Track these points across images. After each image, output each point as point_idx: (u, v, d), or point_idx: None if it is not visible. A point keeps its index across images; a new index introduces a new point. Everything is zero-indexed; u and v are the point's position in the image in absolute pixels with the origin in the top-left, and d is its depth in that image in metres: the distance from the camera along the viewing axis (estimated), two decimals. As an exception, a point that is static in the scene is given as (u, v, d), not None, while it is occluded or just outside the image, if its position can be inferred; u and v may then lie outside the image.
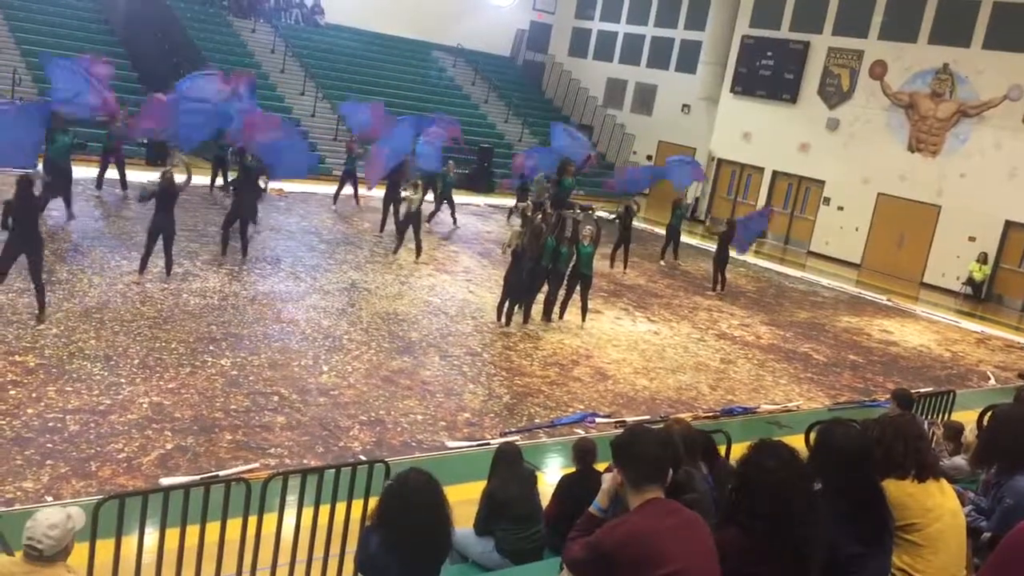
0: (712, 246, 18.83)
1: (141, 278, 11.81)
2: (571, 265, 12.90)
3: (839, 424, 3.85)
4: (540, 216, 13.46)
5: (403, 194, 15.61)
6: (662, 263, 19.02)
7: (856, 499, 3.54)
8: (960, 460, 6.51)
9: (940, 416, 8.85)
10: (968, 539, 4.10)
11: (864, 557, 3.52)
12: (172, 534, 4.97)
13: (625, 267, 17.65)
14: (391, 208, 17.06)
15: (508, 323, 12.38)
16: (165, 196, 11.86)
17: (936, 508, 3.84)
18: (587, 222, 14.16)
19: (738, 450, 5.58)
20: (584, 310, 13.07)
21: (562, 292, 12.98)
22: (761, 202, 26.39)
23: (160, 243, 11.89)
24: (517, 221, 12.06)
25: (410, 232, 15.47)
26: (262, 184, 14.73)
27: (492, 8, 32.76)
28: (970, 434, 6.72)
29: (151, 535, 5.02)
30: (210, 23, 26.70)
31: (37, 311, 9.80)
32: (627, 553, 3.05)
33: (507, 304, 12.40)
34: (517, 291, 12.36)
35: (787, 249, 25.38)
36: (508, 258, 12.49)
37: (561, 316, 13.04)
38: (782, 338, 14.44)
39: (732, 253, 17.43)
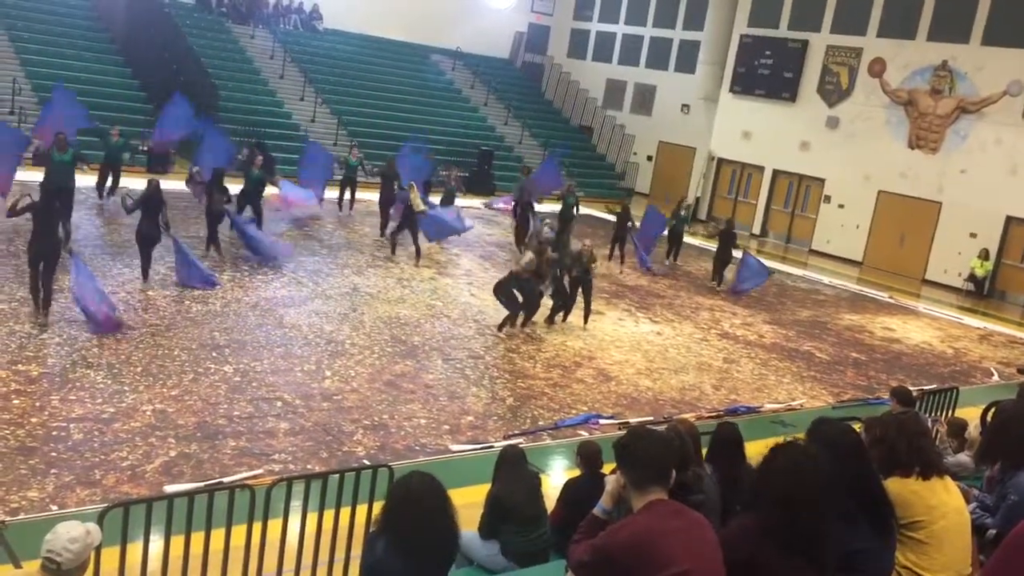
0: (712, 246, 18.93)
1: (146, 285, 11.91)
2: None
3: (828, 422, 3.85)
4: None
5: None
6: (666, 263, 18.97)
7: (859, 495, 3.54)
8: (964, 457, 6.51)
9: (943, 413, 8.84)
10: (973, 536, 4.10)
11: (869, 553, 3.52)
12: (177, 541, 4.98)
13: (622, 262, 17.84)
14: (389, 211, 17.23)
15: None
16: (150, 203, 12.00)
17: (941, 505, 3.84)
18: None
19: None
20: (587, 312, 13.08)
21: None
22: (762, 201, 26.42)
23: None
24: (529, 255, 12.30)
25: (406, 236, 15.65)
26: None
27: (490, 10, 32.77)
28: (974, 430, 6.72)
29: (156, 543, 5.02)
30: (209, 30, 26.75)
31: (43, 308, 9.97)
32: (631, 555, 3.05)
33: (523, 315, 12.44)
34: (533, 304, 12.43)
35: (788, 248, 25.38)
36: (507, 264, 12.55)
37: (564, 319, 13.05)
38: (784, 337, 14.43)
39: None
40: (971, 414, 8.06)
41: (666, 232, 19.16)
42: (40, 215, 10.11)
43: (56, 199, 11.46)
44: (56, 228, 10.33)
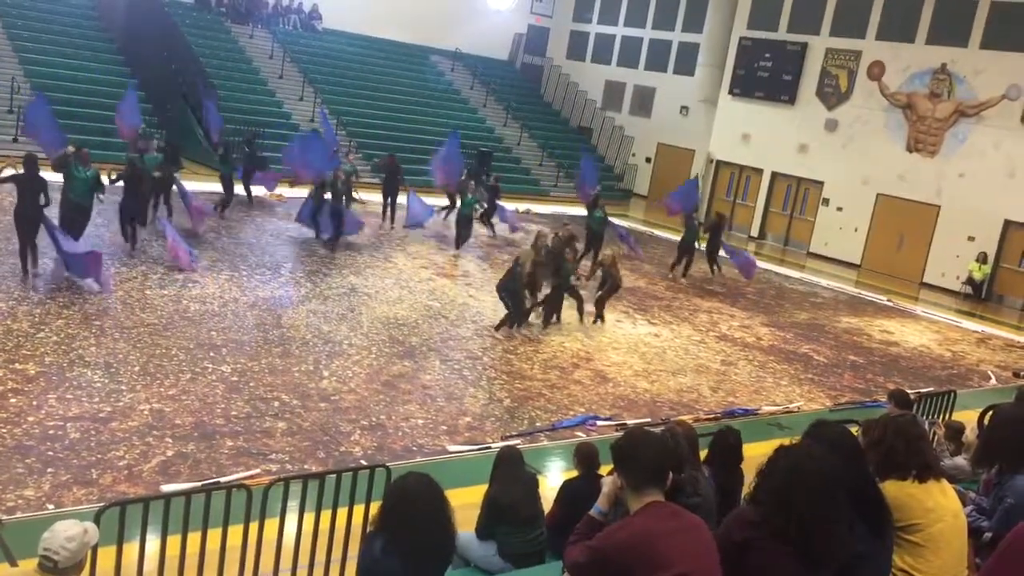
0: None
1: (134, 249, 13.25)
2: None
3: (827, 424, 3.86)
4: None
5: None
6: (670, 275, 18.26)
7: (856, 497, 3.54)
8: (961, 460, 6.51)
9: (941, 416, 8.85)
10: (969, 539, 4.10)
11: (865, 555, 3.52)
12: (174, 541, 4.97)
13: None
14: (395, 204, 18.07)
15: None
16: (132, 180, 13.41)
17: (937, 508, 3.84)
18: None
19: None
20: (584, 312, 13.14)
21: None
22: (760, 203, 26.43)
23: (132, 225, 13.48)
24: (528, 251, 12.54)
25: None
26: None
27: (490, 12, 32.80)
28: (970, 433, 6.73)
29: (153, 542, 5.02)
30: (208, 29, 26.74)
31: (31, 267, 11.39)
32: (628, 556, 3.05)
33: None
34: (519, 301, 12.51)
35: (787, 250, 25.39)
36: (506, 264, 12.60)
37: (548, 320, 12.98)
38: (782, 339, 14.44)
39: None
40: (969, 417, 8.08)
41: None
42: (23, 183, 11.18)
43: (76, 214, 12.37)
44: (38, 197, 11.23)
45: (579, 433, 9.03)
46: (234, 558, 5.14)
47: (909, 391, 8.96)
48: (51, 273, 11.73)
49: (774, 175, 26.21)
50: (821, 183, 25.02)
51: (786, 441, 3.47)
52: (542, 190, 27.03)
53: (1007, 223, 21.33)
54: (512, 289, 12.17)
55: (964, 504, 4.38)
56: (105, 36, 24.76)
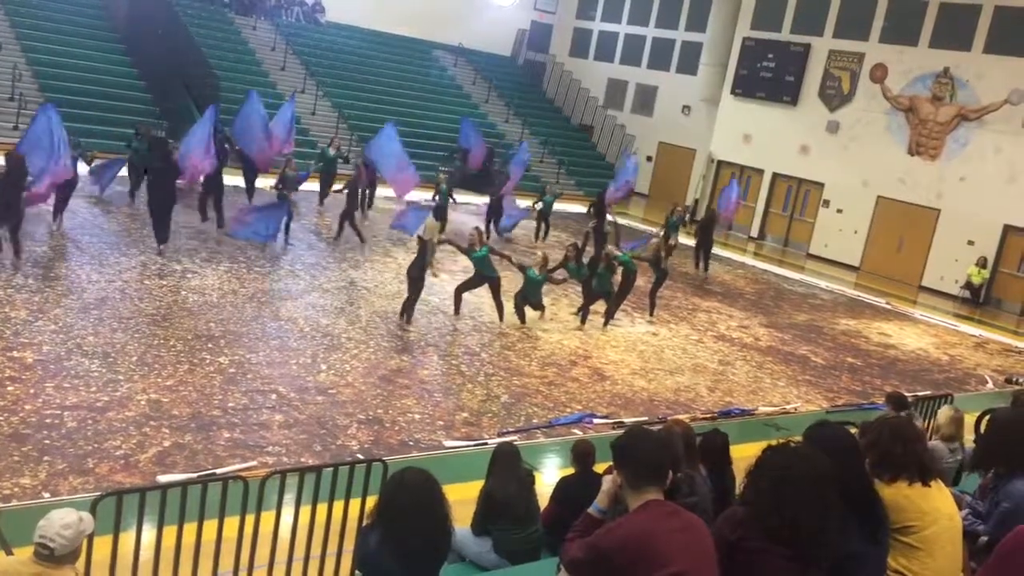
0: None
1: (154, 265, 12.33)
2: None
3: (827, 424, 3.87)
4: None
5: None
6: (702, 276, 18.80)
7: (852, 498, 3.55)
8: (935, 442, 6.54)
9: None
10: (964, 542, 4.11)
11: (860, 556, 3.53)
12: (169, 531, 4.96)
13: (543, 238, 19.61)
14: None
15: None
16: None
17: (933, 511, 3.85)
18: None
19: (735, 452, 5.60)
20: (592, 311, 13.17)
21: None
22: (760, 204, 26.43)
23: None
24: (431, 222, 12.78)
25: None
26: None
27: (493, 8, 32.77)
28: (941, 416, 6.78)
29: (148, 532, 5.01)
30: (211, 20, 26.72)
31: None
32: (626, 554, 3.05)
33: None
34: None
35: (786, 251, 25.40)
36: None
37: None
38: (780, 340, 14.44)
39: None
40: (965, 421, 8.07)
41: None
42: (4, 187, 11.13)
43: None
44: (21, 196, 11.32)
45: (576, 431, 9.03)
46: (229, 549, 5.13)
47: (906, 394, 8.96)
48: (49, 261, 11.71)
49: (775, 176, 26.21)
50: (822, 184, 25.02)
51: (773, 442, 3.48)
52: (542, 187, 26.97)
53: (1007, 228, 21.35)
54: (419, 269, 11.87)
55: (960, 507, 4.39)
56: (108, 26, 24.70)
